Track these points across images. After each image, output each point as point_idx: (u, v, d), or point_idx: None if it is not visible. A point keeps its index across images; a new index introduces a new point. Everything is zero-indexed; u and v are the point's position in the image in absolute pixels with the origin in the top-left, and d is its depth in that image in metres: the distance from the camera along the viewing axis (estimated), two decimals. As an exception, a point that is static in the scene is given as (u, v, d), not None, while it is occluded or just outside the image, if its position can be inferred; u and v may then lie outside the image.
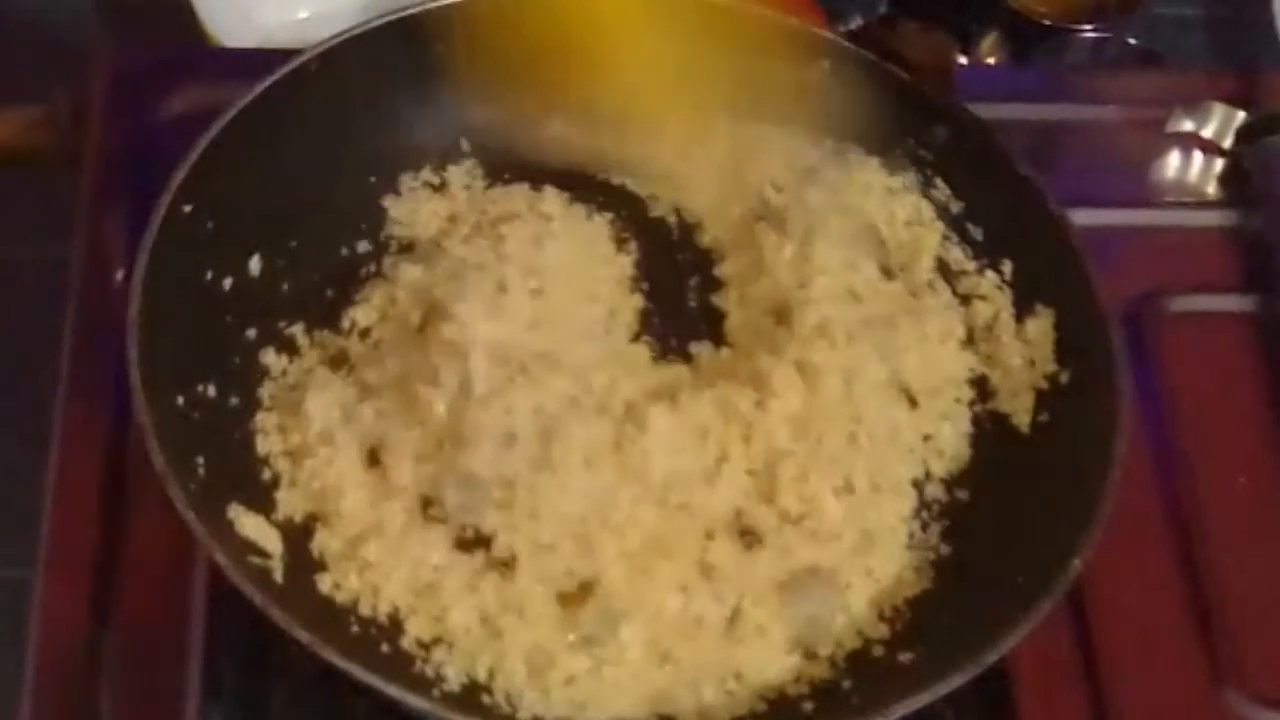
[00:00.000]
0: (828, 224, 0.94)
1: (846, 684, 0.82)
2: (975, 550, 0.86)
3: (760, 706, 0.81)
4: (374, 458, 0.85)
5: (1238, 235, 1.04)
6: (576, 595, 0.81)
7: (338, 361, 0.89)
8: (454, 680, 0.80)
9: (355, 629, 0.81)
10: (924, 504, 0.88)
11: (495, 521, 0.82)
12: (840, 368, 0.89)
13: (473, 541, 0.83)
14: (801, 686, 0.82)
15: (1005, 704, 0.84)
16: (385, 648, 0.80)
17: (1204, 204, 1.06)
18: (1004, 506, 0.87)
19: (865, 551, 0.85)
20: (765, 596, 0.83)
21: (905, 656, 0.82)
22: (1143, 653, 0.86)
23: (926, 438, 0.90)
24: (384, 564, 0.81)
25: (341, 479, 0.84)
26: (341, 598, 0.81)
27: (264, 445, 0.86)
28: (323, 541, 0.83)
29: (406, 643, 0.81)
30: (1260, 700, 0.86)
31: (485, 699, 0.79)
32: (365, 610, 0.81)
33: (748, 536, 0.85)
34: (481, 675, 0.80)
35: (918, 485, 0.88)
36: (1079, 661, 0.86)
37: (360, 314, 0.91)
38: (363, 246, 0.94)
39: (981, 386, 0.92)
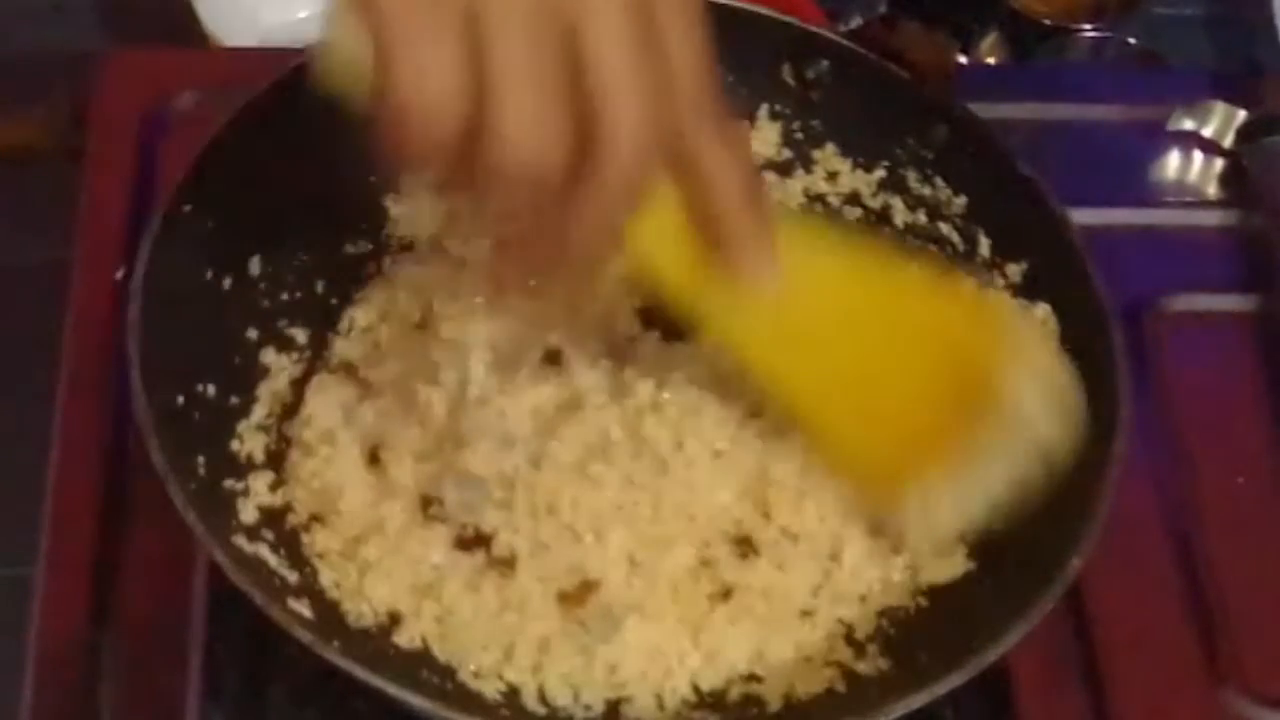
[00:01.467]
0: None
1: (846, 684, 0.82)
2: (975, 550, 0.86)
3: (760, 706, 0.81)
4: (374, 457, 0.85)
5: (1238, 235, 1.04)
6: (577, 594, 0.81)
7: (338, 361, 0.89)
8: (454, 680, 0.80)
9: (355, 629, 0.81)
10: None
11: (495, 520, 0.82)
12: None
13: (473, 540, 0.83)
14: (801, 686, 0.82)
15: (1005, 704, 0.84)
16: (385, 647, 0.80)
17: (1204, 204, 1.06)
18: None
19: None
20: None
21: (905, 656, 0.82)
22: (1142, 653, 0.86)
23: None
24: (384, 563, 0.81)
25: (341, 478, 0.84)
26: (342, 598, 0.81)
27: (264, 445, 0.86)
28: (323, 541, 0.83)
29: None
30: (1260, 700, 0.85)
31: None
32: (365, 609, 0.81)
33: (745, 545, 0.85)
34: (482, 675, 0.80)
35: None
36: (1079, 661, 0.86)
37: (360, 314, 0.91)
38: (363, 246, 0.94)
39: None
